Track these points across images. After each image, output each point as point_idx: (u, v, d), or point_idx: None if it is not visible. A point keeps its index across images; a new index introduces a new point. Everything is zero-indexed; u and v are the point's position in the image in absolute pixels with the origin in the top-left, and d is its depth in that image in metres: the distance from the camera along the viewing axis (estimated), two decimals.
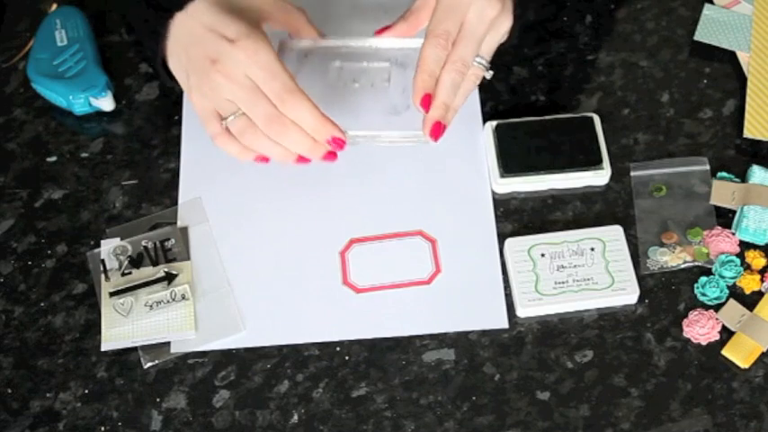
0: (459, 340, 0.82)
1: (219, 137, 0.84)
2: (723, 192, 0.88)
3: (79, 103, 0.94)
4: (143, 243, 0.87)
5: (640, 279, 0.84)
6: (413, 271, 0.84)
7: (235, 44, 0.80)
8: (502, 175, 0.88)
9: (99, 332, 0.83)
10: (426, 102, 0.83)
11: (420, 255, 0.85)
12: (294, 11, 0.89)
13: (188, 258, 0.86)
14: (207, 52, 0.81)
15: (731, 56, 0.97)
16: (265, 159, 0.85)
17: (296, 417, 0.80)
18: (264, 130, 0.82)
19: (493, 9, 0.83)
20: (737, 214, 0.87)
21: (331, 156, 0.84)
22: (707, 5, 1.00)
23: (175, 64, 0.84)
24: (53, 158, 0.94)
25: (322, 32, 0.90)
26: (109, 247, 0.87)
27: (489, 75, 0.86)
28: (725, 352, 0.81)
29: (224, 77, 0.80)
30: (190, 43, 0.82)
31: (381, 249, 0.85)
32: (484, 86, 0.92)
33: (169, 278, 0.85)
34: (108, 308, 0.84)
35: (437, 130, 0.84)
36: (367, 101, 0.87)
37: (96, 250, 0.87)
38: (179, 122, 0.95)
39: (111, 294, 0.84)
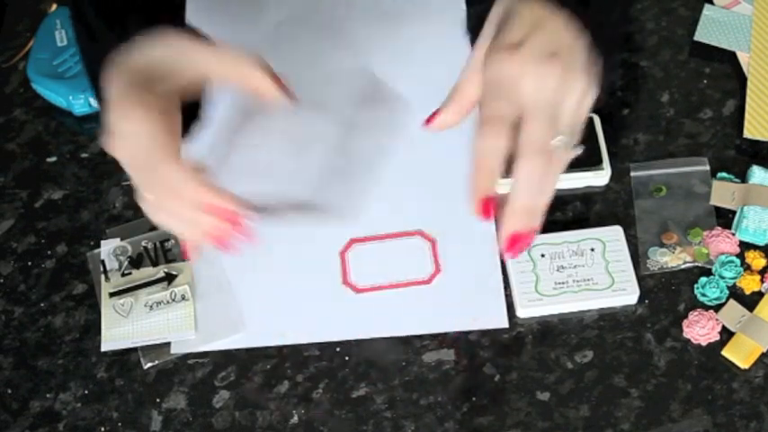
0: (459, 340, 0.82)
1: None
2: (723, 192, 0.88)
3: (79, 103, 0.94)
4: (143, 243, 0.87)
5: (640, 279, 0.84)
6: (412, 271, 0.84)
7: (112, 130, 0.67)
8: (502, 176, 0.88)
9: (99, 332, 0.83)
10: (487, 209, 0.65)
11: (420, 255, 0.85)
12: (247, 64, 0.68)
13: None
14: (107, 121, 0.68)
15: (731, 56, 0.97)
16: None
17: (296, 417, 0.80)
18: None
19: (552, 76, 0.63)
20: (737, 214, 0.87)
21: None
22: (707, 5, 1.00)
23: None
24: (53, 158, 0.94)
25: (293, 95, 0.70)
26: (109, 248, 0.87)
27: (579, 151, 0.66)
28: (725, 352, 0.81)
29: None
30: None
31: (381, 249, 0.85)
32: None
33: (169, 278, 0.85)
34: (108, 308, 0.84)
35: (517, 243, 0.65)
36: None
37: (96, 251, 0.87)
38: None
39: (111, 295, 0.84)
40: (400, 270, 0.84)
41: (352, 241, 0.85)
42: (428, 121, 0.70)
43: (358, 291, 0.83)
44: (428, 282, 0.84)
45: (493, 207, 0.65)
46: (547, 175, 0.64)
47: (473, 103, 0.69)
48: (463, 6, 1.01)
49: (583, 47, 0.65)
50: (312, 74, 0.97)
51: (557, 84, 0.64)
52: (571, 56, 0.65)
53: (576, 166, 0.87)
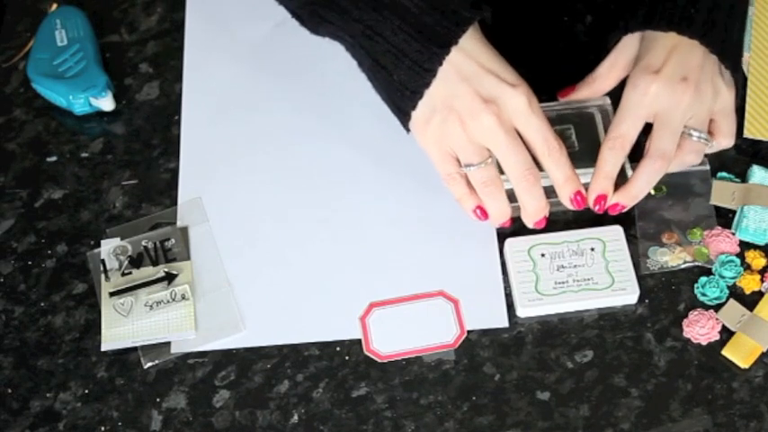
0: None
1: (453, 178, 0.82)
2: (723, 192, 0.88)
3: (79, 103, 0.94)
4: (143, 243, 0.87)
5: (640, 279, 0.84)
6: (436, 334, 0.82)
7: (516, 88, 0.79)
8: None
9: (99, 332, 0.83)
10: (600, 201, 0.82)
11: (443, 316, 0.83)
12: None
13: (188, 258, 0.87)
14: (480, 92, 0.78)
15: None
16: (485, 215, 0.83)
17: (296, 417, 0.80)
18: (516, 183, 0.80)
19: (684, 97, 0.80)
20: (737, 214, 0.87)
21: (542, 222, 0.83)
22: None
23: (426, 98, 0.80)
24: (53, 158, 0.94)
25: None
26: (109, 247, 0.87)
27: (714, 145, 0.85)
28: (725, 352, 0.81)
29: (495, 120, 0.78)
30: (459, 80, 0.79)
31: (402, 312, 0.83)
32: None
33: (169, 278, 0.85)
34: (108, 308, 0.84)
35: (612, 210, 0.84)
36: None
37: (96, 250, 0.87)
38: (179, 122, 0.95)
39: (111, 294, 0.84)
40: (424, 334, 0.82)
41: (372, 306, 0.84)
42: (561, 94, 0.90)
43: (382, 358, 0.82)
44: (453, 345, 0.82)
45: (604, 201, 0.83)
46: (683, 157, 0.83)
47: (606, 90, 0.88)
48: None
49: (710, 63, 0.82)
50: (312, 74, 0.97)
51: (687, 103, 0.80)
52: (700, 75, 0.81)
53: (575, 165, 0.88)
